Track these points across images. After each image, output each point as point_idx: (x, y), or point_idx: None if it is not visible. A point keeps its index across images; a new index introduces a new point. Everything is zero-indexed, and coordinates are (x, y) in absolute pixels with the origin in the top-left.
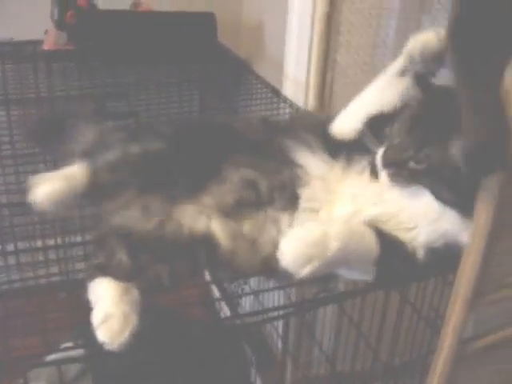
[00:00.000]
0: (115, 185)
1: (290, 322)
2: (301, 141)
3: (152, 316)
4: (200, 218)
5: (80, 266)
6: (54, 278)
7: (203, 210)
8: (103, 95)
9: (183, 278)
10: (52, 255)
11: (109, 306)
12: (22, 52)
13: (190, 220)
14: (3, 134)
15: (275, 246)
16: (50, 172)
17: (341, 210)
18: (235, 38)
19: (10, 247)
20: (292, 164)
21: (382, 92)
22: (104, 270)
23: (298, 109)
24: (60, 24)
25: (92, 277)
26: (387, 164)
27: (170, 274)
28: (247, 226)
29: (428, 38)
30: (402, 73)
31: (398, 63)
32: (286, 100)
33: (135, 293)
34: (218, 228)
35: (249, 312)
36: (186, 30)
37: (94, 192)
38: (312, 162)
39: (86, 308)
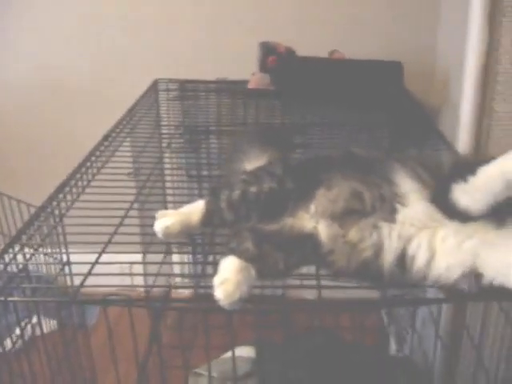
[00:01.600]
0: (236, 219)
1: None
2: (410, 169)
3: (322, 337)
4: (309, 221)
5: None
6: None
7: (313, 215)
8: (288, 129)
9: (293, 267)
10: None
11: (228, 273)
12: (233, 89)
13: (302, 222)
14: (214, 158)
15: (375, 251)
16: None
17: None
18: (427, 86)
19: None
20: (393, 184)
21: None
22: (233, 252)
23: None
24: (263, 67)
25: (225, 255)
26: None
27: (283, 261)
28: (352, 233)
29: None
30: None
31: None
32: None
33: (252, 271)
34: (323, 230)
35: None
36: (373, 77)
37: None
38: (412, 189)
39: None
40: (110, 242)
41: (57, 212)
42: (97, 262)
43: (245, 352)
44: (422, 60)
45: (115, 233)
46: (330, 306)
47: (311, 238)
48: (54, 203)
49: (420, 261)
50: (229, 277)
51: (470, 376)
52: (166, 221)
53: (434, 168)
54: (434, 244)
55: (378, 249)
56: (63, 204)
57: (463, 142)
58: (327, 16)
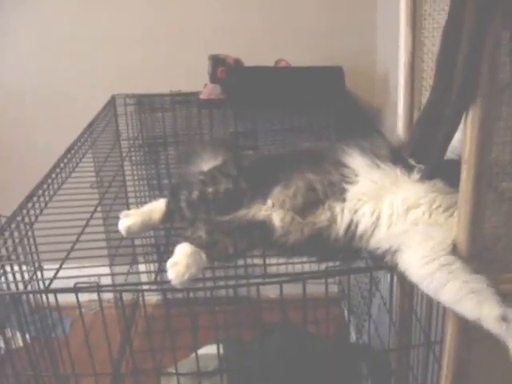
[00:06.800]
0: (195, 216)
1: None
2: (359, 149)
3: (283, 331)
4: (264, 212)
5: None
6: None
7: (269, 208)
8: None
9: (242, 251)
10: None
11: (179, 257)
12: (187, 100)
13: (255, 212)
14: (173, 167)
15: (328, 223)
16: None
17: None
18: (369, 88)
19: None
20: (342, 165)
21: None
22: (187, 239)
23: None
24: (213, 78)
25: (180, 242)
26: None
27: (233, 247)
28: (309, 218)
29: None
30: None
31: None
32: None
33: (203, 256)
34: (277, 217)
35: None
36: (316, 83)
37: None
38: (361, 165)
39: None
40: (73, 248)
41: (27, 220)
42: (66, 258)
43: (213, 349)
44: (363, 64)
45: (78, 240)
46: (274, 280)
47: (263, 225)
48: (24, 211)
49: (363, 226)
50: (179, 260)
51: (422, 356)
52: (128, 221)
53: (387, 146)
54: (380, 211)
55: (331, 222)
56: (32, 212)
57: (400, 135)
58: (273, 28)
